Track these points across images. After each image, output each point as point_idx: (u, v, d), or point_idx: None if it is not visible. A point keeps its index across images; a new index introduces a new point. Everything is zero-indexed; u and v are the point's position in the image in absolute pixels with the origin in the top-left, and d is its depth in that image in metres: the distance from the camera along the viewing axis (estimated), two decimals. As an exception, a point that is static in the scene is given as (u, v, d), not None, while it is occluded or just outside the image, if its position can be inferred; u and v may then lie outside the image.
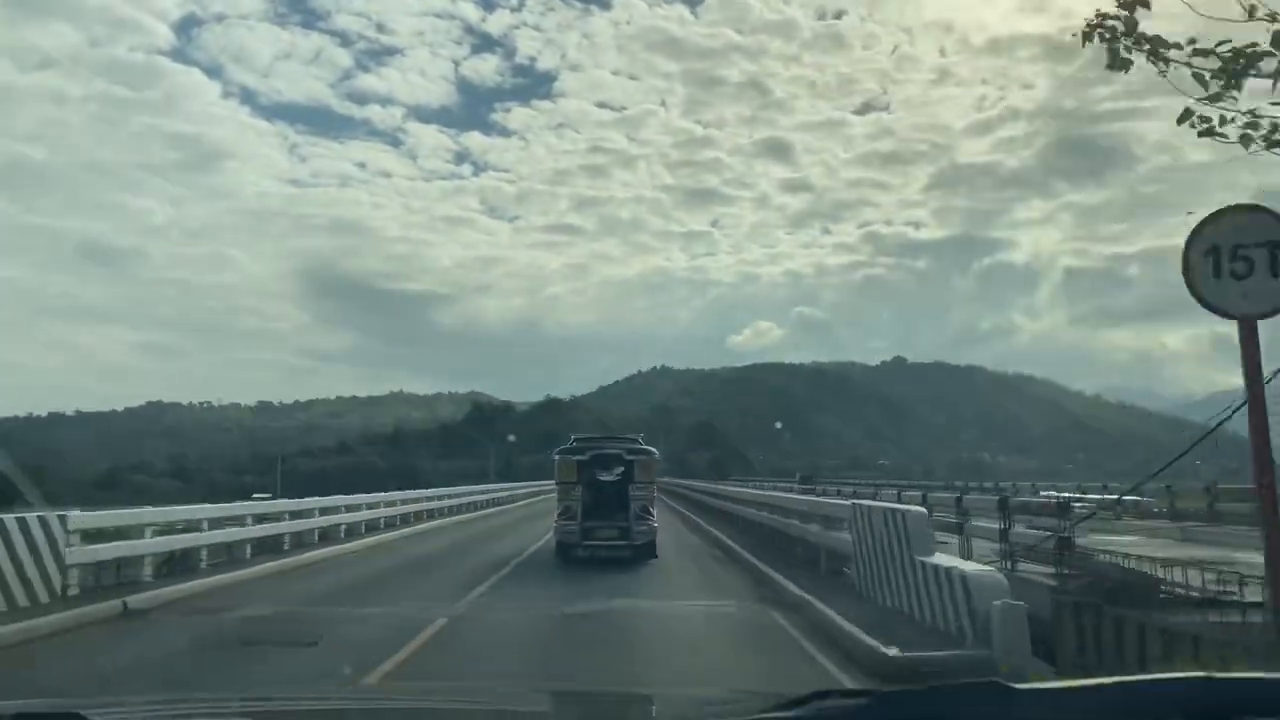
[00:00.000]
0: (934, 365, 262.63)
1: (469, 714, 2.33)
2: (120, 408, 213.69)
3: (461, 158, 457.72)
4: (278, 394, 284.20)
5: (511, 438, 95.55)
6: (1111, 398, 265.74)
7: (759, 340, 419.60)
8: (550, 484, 20.44)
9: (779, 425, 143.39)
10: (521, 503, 49.15)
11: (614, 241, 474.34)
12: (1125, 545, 11.86)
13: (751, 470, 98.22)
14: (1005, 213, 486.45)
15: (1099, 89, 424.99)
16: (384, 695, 4.14)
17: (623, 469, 17.84)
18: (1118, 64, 5.53)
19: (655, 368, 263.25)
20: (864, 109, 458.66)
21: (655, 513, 18.04)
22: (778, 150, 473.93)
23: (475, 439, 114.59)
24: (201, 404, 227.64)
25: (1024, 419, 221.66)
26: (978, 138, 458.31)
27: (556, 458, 18.66)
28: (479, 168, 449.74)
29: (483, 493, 41.94)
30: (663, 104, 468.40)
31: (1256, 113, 5.38)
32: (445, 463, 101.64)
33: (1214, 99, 5.36)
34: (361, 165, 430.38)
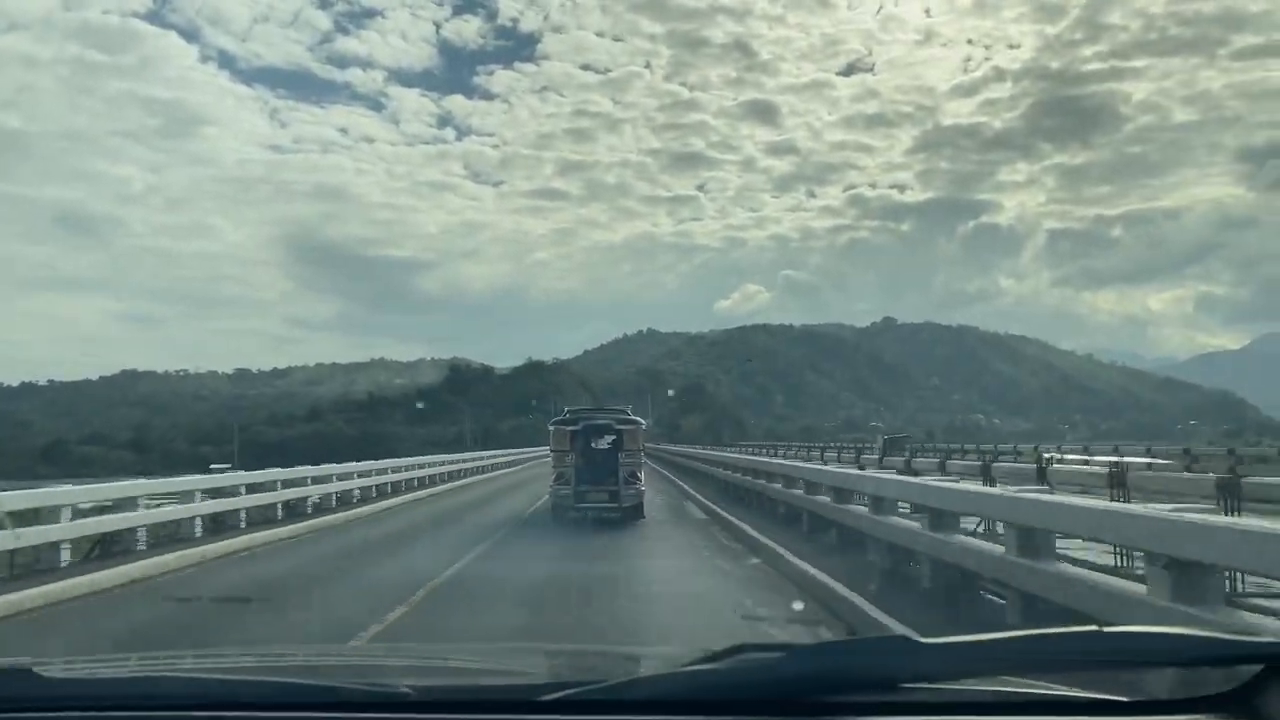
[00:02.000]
0: (924, 326, 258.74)
1: (457, 670, 2.31)
2: (95, 376, 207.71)
3: (444, 121, 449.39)
4: (262, 362, 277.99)
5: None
6: (1100, 358, 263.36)
7: (746, 304, 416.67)
8: (535, 450, 20.35)
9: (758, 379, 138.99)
10: (502, 471, 44.22)
11: (600, 206, 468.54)
12: None
13: (745, 434, 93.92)
14: (989, 175, 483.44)
15: (1085, 49, 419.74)
16: (371, 653, 4.68)
17: (613, 438, 18.91)
18: None
19: (641, 331, 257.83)
20: (849, 70, 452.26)
21: (643, 477, 19.29)
22: (763, 113, 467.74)
23: (453, 404, 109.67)
24: (178, 372, 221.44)
25: (1016, 379, 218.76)
26: (963, 99, 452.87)
27: (551, 428, 20.10)
28: (462, 132, 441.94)
29: (444, 464, 35.09)
30: (647, 66, 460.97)
31: None
32: (421, 429, 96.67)
33: None
34: (343, 130, 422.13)
